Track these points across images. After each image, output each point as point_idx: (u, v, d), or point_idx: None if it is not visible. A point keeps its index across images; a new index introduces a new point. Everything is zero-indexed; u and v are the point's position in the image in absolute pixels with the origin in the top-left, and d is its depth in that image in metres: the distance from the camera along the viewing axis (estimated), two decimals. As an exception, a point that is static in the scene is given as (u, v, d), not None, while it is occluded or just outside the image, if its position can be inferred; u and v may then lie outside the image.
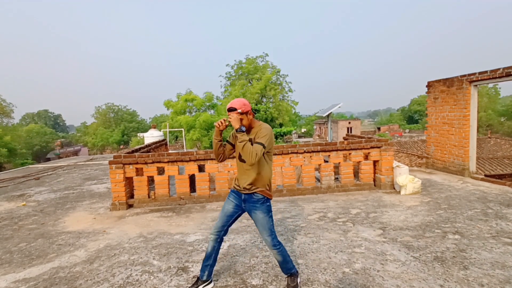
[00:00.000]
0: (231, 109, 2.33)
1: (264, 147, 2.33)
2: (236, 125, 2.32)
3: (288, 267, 2.53)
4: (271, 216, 2.49)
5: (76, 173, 9.83)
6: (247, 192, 2.46)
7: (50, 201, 6.17)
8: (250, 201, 2.47)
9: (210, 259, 2.57)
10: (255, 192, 2.44)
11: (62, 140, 61.10)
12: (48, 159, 40.32)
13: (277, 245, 2.46)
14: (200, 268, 2.64)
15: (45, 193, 6.89)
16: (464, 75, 6.48)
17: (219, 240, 2.57)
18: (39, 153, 48.53)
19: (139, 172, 5.47)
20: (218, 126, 2.36)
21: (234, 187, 2.58)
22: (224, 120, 2.35)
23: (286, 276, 2.61)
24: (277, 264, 3.00)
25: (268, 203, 2.48)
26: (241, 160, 2.45)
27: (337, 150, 5.71)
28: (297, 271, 2.61)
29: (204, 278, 2.60)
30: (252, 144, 2.33)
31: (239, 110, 2.32)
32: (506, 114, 43.43)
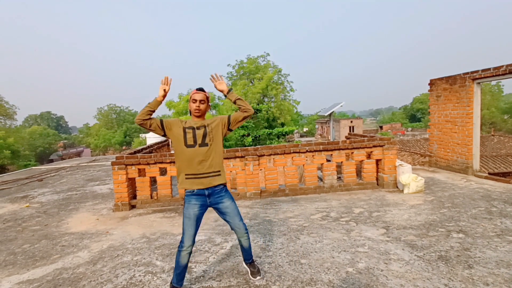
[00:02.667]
0: (201, 89, 2.56)
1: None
2: (223, 87, 2.64)
3: (251, 253, 2.75)
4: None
5: (79, 174, 9.87)
6: (211, 184, 2.48)
7: (53, 202, 6.19)
8: (214, 193, 2.51)
9: (186, 267, 2.55)
10: (219, 184, 2.53)
11: (65, 141, 61.40)
12: (51, 161, 40.51)
13: (247, 229, 2.64)
14: (176, 277, 2.53)
15: (48, 195, 6.91)
16: (467, 73, 6.44)
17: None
18: (42, 155, 48.79)
19: (141, 173, 5.48)
20: (164, 91, 2.53)
21: (191, 187, 2.47)
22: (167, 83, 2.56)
23: (248, 263, 2.77)
24: (280, 264, 2.99)
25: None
26: (204, 144, 2.48)
27: (339, 149, 5.69)
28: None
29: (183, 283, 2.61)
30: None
31: (207, 94, 2.58)
32: (509, 111, 43.19)
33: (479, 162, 6.76)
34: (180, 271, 2.52)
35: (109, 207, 5.55)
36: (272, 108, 30.46)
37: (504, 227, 3.67)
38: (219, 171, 2.54)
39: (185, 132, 2.48)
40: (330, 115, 8.88)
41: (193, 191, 2.47)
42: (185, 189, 2.50)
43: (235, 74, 34.08)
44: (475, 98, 6.44)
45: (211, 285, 2.68)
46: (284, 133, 22.82)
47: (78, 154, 48.22)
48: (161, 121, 2.52)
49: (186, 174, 2.46)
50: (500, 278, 2.58)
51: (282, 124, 30.30)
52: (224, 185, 2.57)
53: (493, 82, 40.26)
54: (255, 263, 2.83)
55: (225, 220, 2.59)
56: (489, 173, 8.95)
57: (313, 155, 5.67)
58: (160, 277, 2.89)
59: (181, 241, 2.48)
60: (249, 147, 5.60)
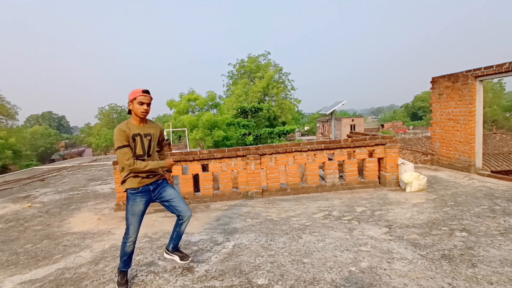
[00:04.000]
0: (147, 91, 2.58)
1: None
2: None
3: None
4: None
5: (81, 174, 9.88)
6: (154, 179, 2.73)
7: (55, 202, 6.20)
8: (158, 185, 2.76)
9: (132, 255, 2.79)
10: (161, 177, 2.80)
11: (67, 141, 61.53)
12: (53, 160, 40.62)
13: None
14: (123, 263, 2.76)
15: (50, 194, 6.92)
16: (469, 70, 6.40)
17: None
18: (44, 155, 48.92)
19: (143, 172, 5.47)
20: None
21: (141, 183, 2.66)
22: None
23: (177, 249, 2.94)
24: (282, 264, 2.98)
25: None
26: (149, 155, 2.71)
27: (341, 148, 5.67)
28: None
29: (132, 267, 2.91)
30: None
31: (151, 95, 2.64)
32: (511, 109, 42.97)
33: (482, 160, 6.73)
34: (127, 257, 2.74)
35: (111, 207, 5.55)
36: (273, 107, 30.44)
37: (507, 225, 3.64)
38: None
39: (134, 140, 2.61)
40: (331, 113, 8.85)
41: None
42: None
43: (235, 73, 34.07)
44: (478, 95, 6.40)
45: (213, 285, 2.67)
46: (285, 132, 22.81)
47: (80, 154, 48.30)
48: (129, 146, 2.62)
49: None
50: (504, 276, 2.56)
51: (283, 123, 30.29)
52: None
53: (495, 80, 40.09)
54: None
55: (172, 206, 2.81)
56: (492, 171, 8.92)
57: (314, 154, 5.65)
58: (162, 276, 2.89)
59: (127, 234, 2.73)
60: (250, 146, 5.59)
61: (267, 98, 31.92)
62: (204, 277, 2.83)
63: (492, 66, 5.93)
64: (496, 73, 5.93)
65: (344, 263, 2.93)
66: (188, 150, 17.17)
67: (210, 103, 26.40)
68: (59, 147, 54.95)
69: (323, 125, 51.01)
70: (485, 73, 6.08)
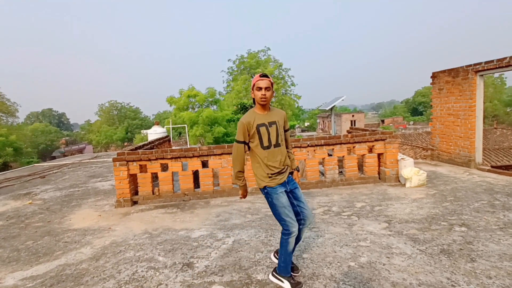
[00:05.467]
0: (266, 75, 2.39)
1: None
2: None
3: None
4: None
5: (81, 171, 9.90)
6: (286, 171, 2.54)
7: (56, 199, 6.22)
8: (289, 178, 2.57)
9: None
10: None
11: (67, 138, 61.60)
12: (54, 158, 40.69)
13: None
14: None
15: (51, 191, 6.94)
16: (470, 65, 6.37)
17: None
18: (45, 152, 48.98)
19: (143, 169, 5.48)
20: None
21: (277, 178, 2.46)
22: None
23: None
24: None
25: None
26: (278, 145, 2.47)
27: (341, 143, 5.66)
28: None
29: None
30: (285, 131, 2.60)
31: (271, 80, 2.41)
32: (512, 104, 42.87)
33: (482, 155, 6.72)
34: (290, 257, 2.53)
35: (111, 203, 5.57)
36: (273, 103, 30.36)
37: (507, 220, 3.65)
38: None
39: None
40: (331, 109, 8.83)
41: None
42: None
43: (235, 69, 33.94)
44: (478, 90, 6.38)
45: (213, 280, 2.69)
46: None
47: (80, 151, 48.39)
48: (245, 143, 2.51)
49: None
50: (503, 271, 2.57)
51: (283, 119, 30.19)
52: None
53: (496, 75, 39.96)
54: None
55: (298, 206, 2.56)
56: (492, 166, 8.91)
57: (314, 150, 5.65)
58: (162, 272, 2.90)
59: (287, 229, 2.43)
60: (250, 142, 5.58)
61: (267, 94, 31.81)
62: (204, 272, 2.84)
63: (492, 61, 5.90)
64: (496, 68, 5.89)
65: (343, 258, 2.94)
66: (188, 146, 17.18)
67: (210, 99, 26.34)
68: (59, 144, 55.01)
69: (323, 121, 50.94)
70: (485, 68, 6.05)
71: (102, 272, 3.00)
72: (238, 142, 2.46)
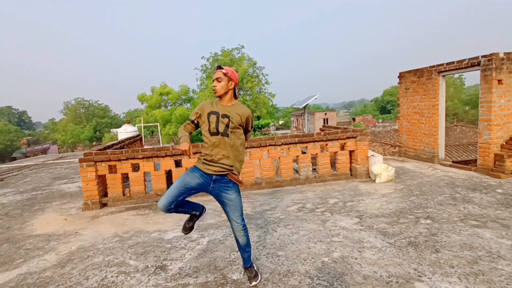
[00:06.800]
0: (219, 67, 2.34)
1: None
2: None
3: (248, 255, 2.59)
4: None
5: (45, 172, 9.32)
6: (221, 172, 2.37)
7: (16, 203, 5.80)
8: (222, 181, 2.40)
9: (181, 207, 2.46)
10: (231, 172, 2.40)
11: (29, 138, 57.68)
12: (14, 159, 38.01)
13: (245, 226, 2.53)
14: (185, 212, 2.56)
15: (10, 195, 6.47)
16: (433, 66, 6.73)
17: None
18: (4, 153, 45.60)
19: (112, 169, 5.25)
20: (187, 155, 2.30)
21: (205, 165, 2.39)
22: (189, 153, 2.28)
23: (245, 267, 2.63)
24: (257, 257, 2.99)
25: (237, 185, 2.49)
26: (226, 134, 2.35)
27: (314, 141, 5.76)
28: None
29: (194, 212, 2.63)
30: (244, 132, 2.48)
31: (224, 70, 2.33)
32: (470, 103, 45.96)
33: (444, 151, 7.14)
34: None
35: (78, 206, 5.29)
36: (248, 101, 30.35)
37: (467, 212, 3.90)
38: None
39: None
40: (304, 107, 8.97)
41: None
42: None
43: (209, 67, 33.49)
44: (441, 90, 6.76)
45: (187, 282, 2.63)
46: (260, 126, 22.85)
47: (44, 151, 45.52)
48: (192, 122, 2.47)
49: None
50: (464, 260, 2.74)
51: (258, 117, 30.30)
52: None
53: (456, 75, 42.62)
54: (253, 267, 2.64)
55: (224, 211, 2.50)
56: (453, 162, 9.50)
57: (288, 148, 5.71)
58: (134, 276, 2.80)
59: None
60: (224, 141, 5.53)
61: (241, 92, 31.74)
62: (178, 274, 2.77)
63: (453, 62, 6.27)
64: (457, 69, 6.27)
65: (317, 254, 2.99)
66: (161, 145, 16.73)
67: (183, 97, 25.83)
68: (20, 144, 51.39)
69: (297, 119, 51.73)
70: (447, 69, 6.41)
71: (68, 279, 2.83)
72: (189, 119, 2.50)
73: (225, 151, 2.36)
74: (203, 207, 2.72)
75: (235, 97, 2.44)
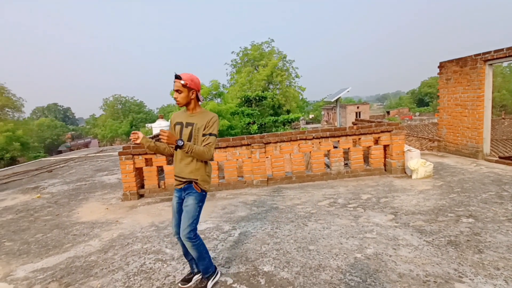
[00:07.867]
0: (177, 77, 2.25)
1: (216, 137, 2.33)
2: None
3: (203, 267, 2.45)
4: (201, 206, 2.42)
5: (87, 164, 10.00)
6: (186, 183, 2.35)
7: (64, 192, 6.30)
8: (188, 189, 2.38)
9: (189, 254, 2.51)
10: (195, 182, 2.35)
11: (73, 132, 62.09)
12: (60, 152, 41.13)
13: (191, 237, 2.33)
14: (189, 264, 2.59)
15: (58, 185, 7.03)
16: (479, 54, 6.24)
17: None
18: (51, 146, 49.54)
19: (148, 162, 5.51)
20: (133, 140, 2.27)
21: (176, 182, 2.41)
22: (135, 136, 2.26)
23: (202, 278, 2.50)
24: (288, 251, 3.01)
25: (203, 193, 2.41)
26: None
27: (346, 135, 5.62)
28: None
29: (196, 270, 2.57)
30: (203, 135, 2.29)
31: (182, 82, 2.23)
32: (520, 93, 42.12)
33: (490, 146, 6.63)
34: (187, 257, 2.59)
35: (118, 197, 5.63)
36: (278, 95, 30.20)
37: (515, 211, 3.61)
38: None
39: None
40: (336, 101, 8.76)
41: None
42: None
43: (239, 62, 33.73)
44: (487, 80, 6.26)
45: (220, 272, 2.71)
46: (289, 120, 22.68)
47: (86, 145, 48.81)
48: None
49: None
50: (511, 262, 2.55)
51: (288, 111, 30.07)
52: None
53: (505, 64, 39.16)
54: (208, 280, 2.47)
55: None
56: (500, 157, 8.79)
57: (319, 142, 5.62)
58: (170, 264, 2.94)
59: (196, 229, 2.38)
60: (255, 135, 5.57)
61: (271, 86, 31.64)
62: (211, 264, 2.86)
63: (502, 49, 5.77)
64: (506, 57, 5.77)
65: (349, 250, 2.94)
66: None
67: (214, 92, 26.26)
68: (65, 138, 55.54)
69: (328, 113, 50.62)
70: (494, 57, 5.92)
71: (111, 264, 3.04)
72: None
73: (188, 160, 2.32)
74: (215, 268, 2.60)
75: (199, 100, 2.37)
